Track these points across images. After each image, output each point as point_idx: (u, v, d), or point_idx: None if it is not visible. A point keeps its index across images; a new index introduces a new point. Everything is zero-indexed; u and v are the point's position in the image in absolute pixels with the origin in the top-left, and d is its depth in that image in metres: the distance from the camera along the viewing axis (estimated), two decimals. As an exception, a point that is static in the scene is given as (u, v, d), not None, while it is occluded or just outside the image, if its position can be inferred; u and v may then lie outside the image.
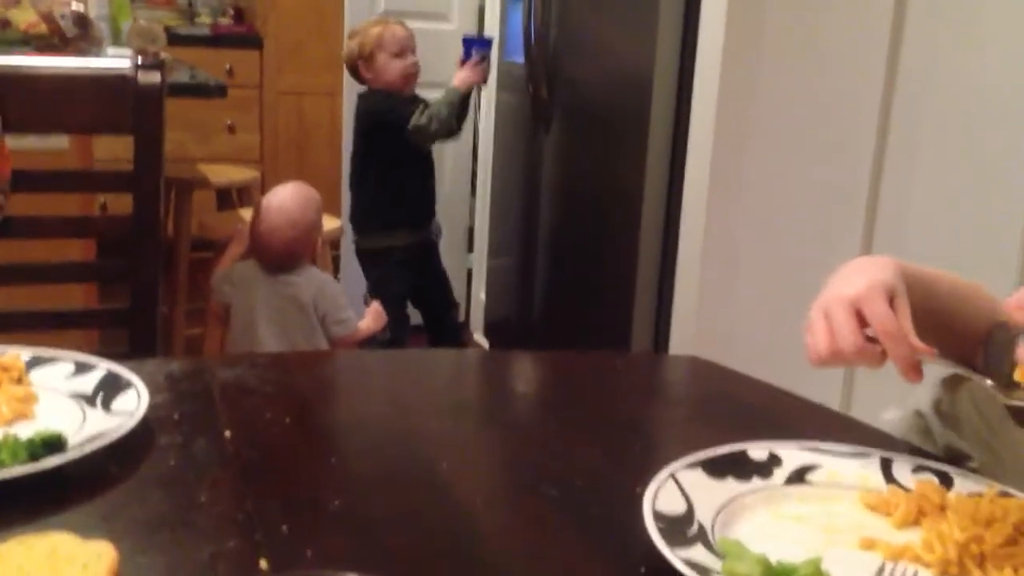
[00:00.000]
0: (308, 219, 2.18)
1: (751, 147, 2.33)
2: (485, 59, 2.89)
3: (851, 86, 2.40)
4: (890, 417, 1.00)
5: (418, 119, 2.79)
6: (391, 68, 2.83)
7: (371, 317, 2.30)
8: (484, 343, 3.63)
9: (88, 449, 0.75)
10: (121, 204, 1.42)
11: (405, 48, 2.83)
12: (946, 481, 0.79)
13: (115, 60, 1.88)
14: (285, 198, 2.25)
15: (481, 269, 3.68)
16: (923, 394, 0.99)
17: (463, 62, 2.93)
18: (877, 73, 2.41)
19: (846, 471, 0.81)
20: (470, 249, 3.84)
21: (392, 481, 0.78)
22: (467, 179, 3.84)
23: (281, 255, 2.20)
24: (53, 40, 2.48)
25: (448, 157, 3.77)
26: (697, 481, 0.76)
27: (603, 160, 2.68)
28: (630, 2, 2.50)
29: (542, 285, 3.03)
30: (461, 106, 2.87)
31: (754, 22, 2.25)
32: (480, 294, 3.69)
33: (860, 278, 0.82)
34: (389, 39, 2.80)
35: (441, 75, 3.69)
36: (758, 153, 2.35)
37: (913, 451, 0.87)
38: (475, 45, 2.92)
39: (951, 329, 0.86)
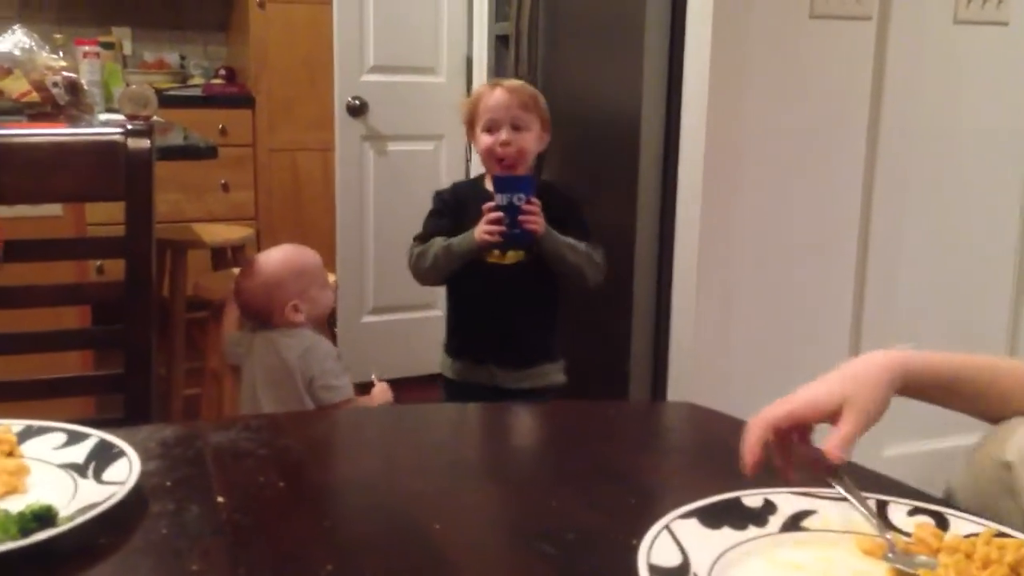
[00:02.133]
0: (275, 277, 2.15)
1: (741, 185, 2.35)
2: (512, 207, 1.99)
3: (837, 117, 2.42)
4: (953, 484, 0.91)
5: (416, 246, 2.13)
6: (480, 143, 2.11)
7: (380, 395, 2.20)
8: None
9: (79, 521, 0.74)
10: (118, 265, 1.43)
11: (496, 121, 2.07)
12: (942, 523, 0.79)
13: (105, 127, 1.89)
14: (265, 255, 2.25)
15: (478, 318, 3.68)
16: (1014, 441, 0.87)
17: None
18: (862, 102, 2.44)
19: (842, 516, 0.81)
20: (467, 298, 3.84)
21: (385, 544, 0.77)
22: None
23: (244, 309, 2.20)
24: (46, 108, 2.51)
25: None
26: (692, 531, 0.75)
27: (594, 203, 2.70)
28: (614, 46, 2.54)
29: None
30: (465, 260, 2.06)
31: (738, 58, 2.28)
32: (478, 343, 3.68)
33: (808, 388, 0.91)
34: (482, 108, 2.11)
35: (432, 130, 3.73)
36: (748, 191, 2.36)
37: (906, 493, 0.86)
38: (500, 184, 2.03)
39: (980, 411, 0.94)
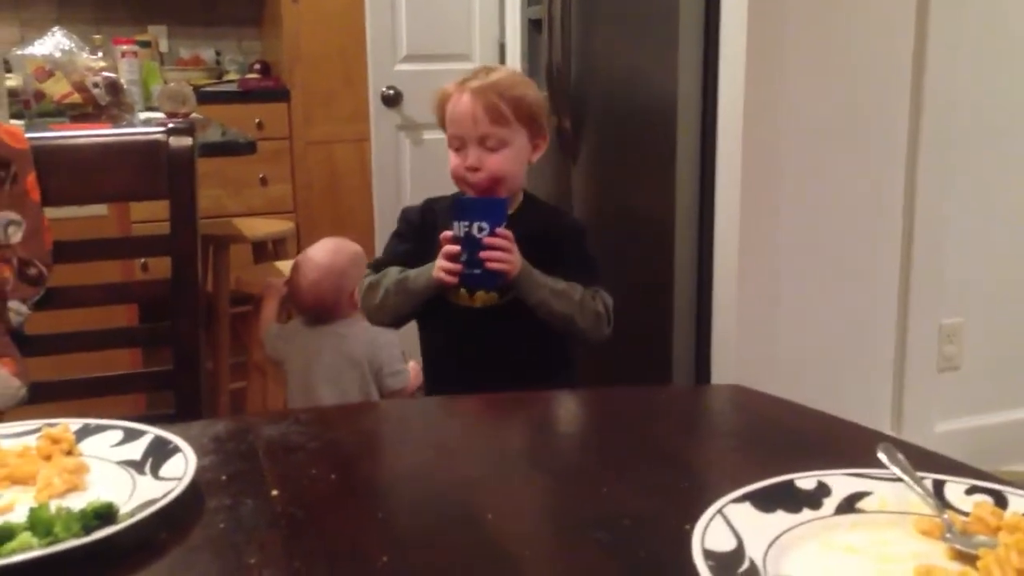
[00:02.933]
0: (337, 268, 2.19)
1: (781, 167, 2.32)
2: (472, 239, 1.56)
3: (878, 95, 2.38)
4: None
5: (368, 275, 1.73)
6: (449, 166, 1.68)
7: (413, 377, 2.24)
8: (526, 378, 3.62)
9: (139, 517, 0.75)
10: (162, 262, 1.45)
11: (460, 138, 1.64)
12: (1001, 501, 0.78)
13: (147, 127, 1.92)
14: (316, 250, 2.28)
15: (518, 304, 3.68)
16: None
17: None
18: (903, 78, 2.39)
19: (898, 497, 0.80)
20: (506, 285, 3.84)
21: (439, 534, 0.78)
22: (499, 215, 3.86)
23: (312, 306, 2.22)
24: (87, 108, 2.54)
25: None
26: (746, 515, 0.75)
27: (633, 188, 2.68)
28: (649, 28, 2.51)
29: (580, 317, 3.02)
30: (421, 299, 1.65)
31: (775, 36, 2.25)
32: (519, 329, 3.69)
33: None
34: (447, 117, 1.67)
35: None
36: (788, 170, 2.33)
37: (964, 472, 0.85)
38: (459, 209, 1.60)
39: None
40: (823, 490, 0.80)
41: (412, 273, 1.65)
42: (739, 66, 2.25)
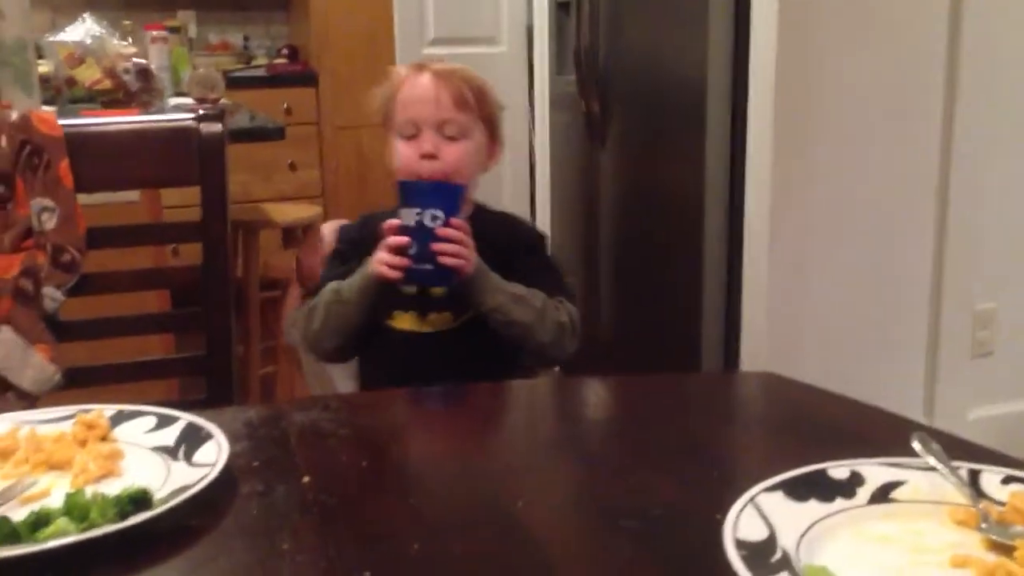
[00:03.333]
0: None
1: (812, 148, 2.30)
2: (424, 229, 1.36)
3: (912, 75, 2.35)
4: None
5: (301, 308, 1.54)
6: (397, 155, 1.47)
7: None
8: (553, 362, 3.62)
9: (173, 503, 0.76)
10: (192, 247, 1.46)
11: (417, 123, 1.44)
12: (1038, 492, 0.77)
13: (177, 114, 1.93)
14: (327, 228, 2.27)
15: (546, 288, 3.68)
16: None
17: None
18: (938, 59, 2.36)
19: (932, 486, 0.79)
20: (533, 268, 3.84)
21: (470, 522, 0.78)
22: (526, 197, 3.86)
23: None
24: (118, 95, 2.56)
25: (507, 178, 3.79)
26: (778, 505, 0.74)
27: (661, 171, 2.67)
28: (678, 10, 2.49)
29: (607, 301, 3.02)
30: (362, 306, 1.44)
31: (807, 15, 2.22)
32: (546, 313, 3.68)
33: None
34: (400, 101, 1.47)
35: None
36: (820, 154, 2.31)
37: (1000, 460, 0.84)
38: (408, 194, 1.40)
39: None
40: (857, 479, 0.79)
41: (346, 282, 1.44)
42: (770, 46, 2.22)
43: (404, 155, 1.45)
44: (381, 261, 1.38)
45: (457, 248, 1.37)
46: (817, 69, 2.25)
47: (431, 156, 1.43)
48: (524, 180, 3.84)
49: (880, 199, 2.39)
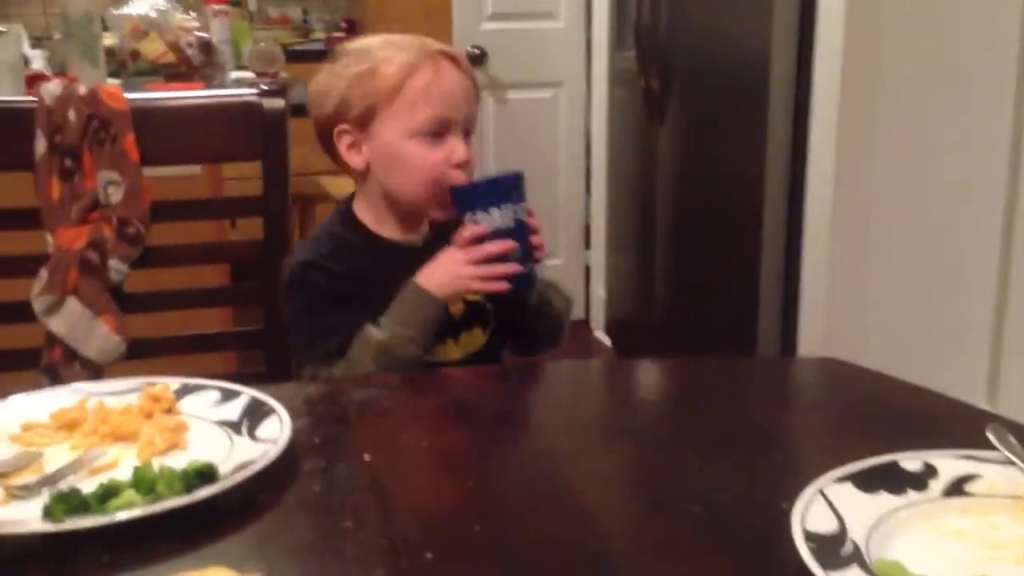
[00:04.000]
0: None
1: (878, 131, 2.24)
2: (521, 227, 1.19)
3: (984, 63, 2.28)
4: None
5: (318, 369, 1.20)
6: (407, 156, 1.21)
7: None
8: (605, 340, 3.61)
9: (239, 478, 0.77)
10: (250, 220, 1.47)
11: (447, 121, 1.21)
12: (1120, 488, 0.74)
13: (240, 89, 1.94)
14: None
15: (599, 265, 3.67)
16: None
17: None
18: (1012, 46, 2.28)
19: (1008, 480, 0.77)
20: (587, 246, 3.83)
21: (530, 504, 0.77)
22: (581, 175, 3.83)
23: None
24: (180, 68, 2.59)
25: (562, 154, 3.77)
26: (847, 496, 0.73)
27: (720, 150, 2.63)
28: (742, -13, 2.44)
29: (663, 280, 3.00)
30: (417, 356, 1.17)
31: (876, -3, 2.16)
32: (599, 291, 3.67)
33: None
34: (418, 91, 1.20)
35: (550, 77, 3.69)
36: (886, 136, 2.26)
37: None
38: (488, 192, 1.20)
39: None
40: (929, 471, 0.77)
41: (385, 331, 1.16)
42: (838, 25, 2.17)
43: (428, 160, 1.20)
44: (476, 276, 1.16)
45: (540, 240, 1.21)
46: (885, 50, 2.20)
47: (467, 163, 1.22)
48: (580, 157, 3.81)
49: (946, 184, 2.32)
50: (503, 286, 1.17)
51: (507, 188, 1.19)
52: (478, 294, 1.21)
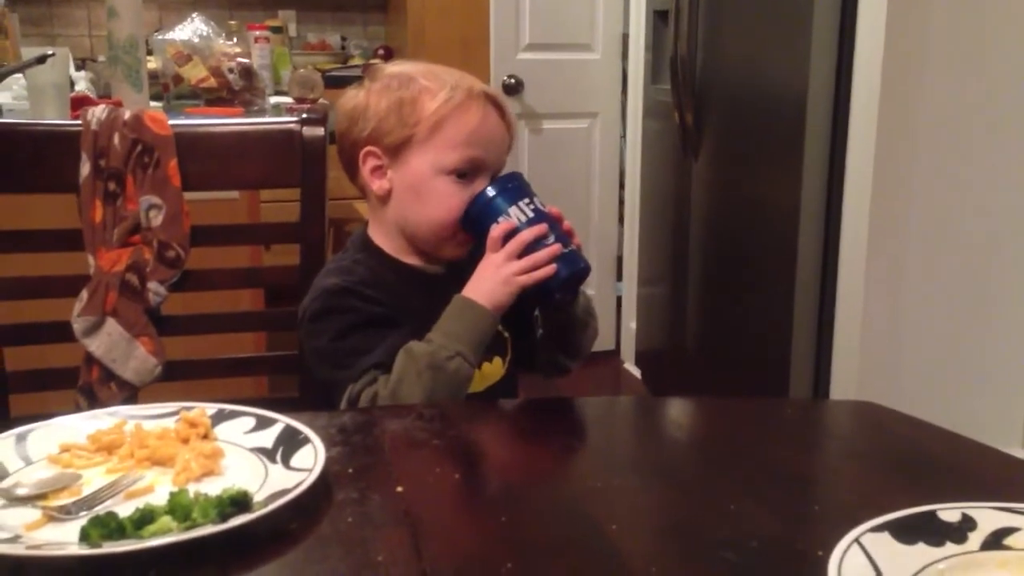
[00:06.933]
0: None
1: (914, 167, 2.23)
2: (540, 213, 1.18)
3: (1019, 96, 2.26)
4: None
5: (361, 389, 1.14)
6: (437, 195, 1.19)
7: None
8: (635, 372, 3.60)
9: (273, 506, 0.77)
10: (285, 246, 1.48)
11: (482, 164, 1.20)
12: None
13: (281, 117, 1.96)
14: None
15: (631, 297, 3.66)
16: None
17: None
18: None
19: (1048, 535, 0.76)
20: (619, 277, 3.83)
21: (562, 545, 0.77)
22: (614, 207, 3.84)
23: None
24: (221, 93, 2.63)
25: (596, 185, 3.78)
26: (884, 546, 0.72)
27: (755, 186, 2.62)
28: (781, 22, 2.44)
29: (694, 314, 2.98)
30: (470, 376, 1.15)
31: (916, 30, 2.16)
32: (631, 323, 3.67)
33: None
34: (460, 129, 1.18)
35: (586, 107, 3.70)
36: (922, 172, 2.24)
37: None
38: (519, 186, 1.19)
39: None
40: (968, 523, 0.76)
41: (435, 342, 1.13)
42: (876, 61, 2.16)
43: (454, 200, 1.18)
44: (522, 270, 1.13)
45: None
46: (922, 85, 2.19)
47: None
48: (614, 188, 3.82)
49: (983, 223, 2.31)
50: (551, 269, 1.14)
51: (516, 185, 1.18)
52: (527, 288, 1.15)
